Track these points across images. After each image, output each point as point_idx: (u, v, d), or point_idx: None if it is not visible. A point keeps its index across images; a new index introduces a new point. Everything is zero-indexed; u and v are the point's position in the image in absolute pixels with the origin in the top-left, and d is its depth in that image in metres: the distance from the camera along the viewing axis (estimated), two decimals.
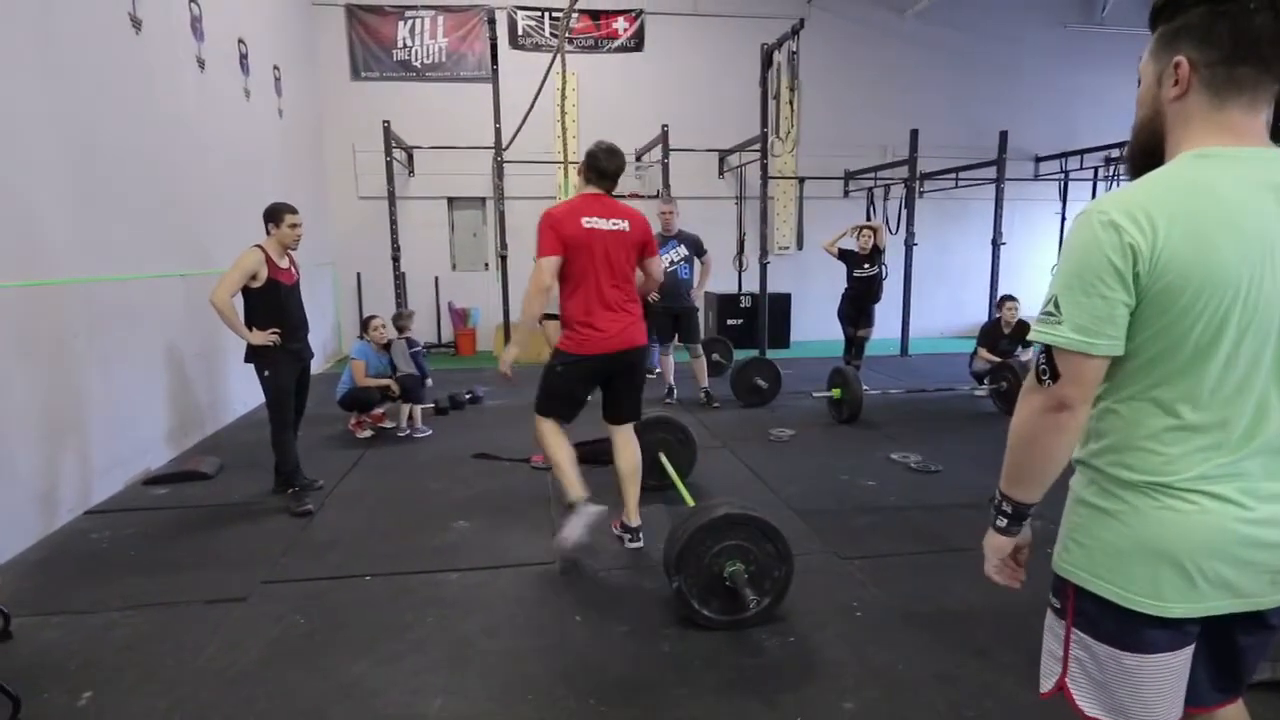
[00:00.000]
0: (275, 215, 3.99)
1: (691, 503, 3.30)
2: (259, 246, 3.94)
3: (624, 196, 10.25)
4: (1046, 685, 1.29)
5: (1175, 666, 1.17)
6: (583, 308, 3.18)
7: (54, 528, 3.69)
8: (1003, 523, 1.29)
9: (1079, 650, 1.22)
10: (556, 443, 3.30)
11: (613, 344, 3.20)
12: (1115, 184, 9.55)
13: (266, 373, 3.98)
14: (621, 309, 3.21)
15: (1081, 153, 9.87)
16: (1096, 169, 9.68)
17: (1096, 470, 1.20)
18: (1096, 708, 1.21)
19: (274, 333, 3.91)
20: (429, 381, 5.72)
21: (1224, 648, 1.22)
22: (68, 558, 3.39)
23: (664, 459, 4.06)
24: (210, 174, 5.79)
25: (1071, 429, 1.15)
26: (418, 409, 5.63)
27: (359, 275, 10.03)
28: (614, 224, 3.15)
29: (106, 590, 3.04)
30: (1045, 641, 1.30)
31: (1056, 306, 1.13)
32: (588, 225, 3.14)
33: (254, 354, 3.97)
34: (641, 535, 3.41)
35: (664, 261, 6.27)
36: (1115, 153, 9.31)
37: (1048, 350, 1.14)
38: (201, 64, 5.73)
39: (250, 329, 3.90)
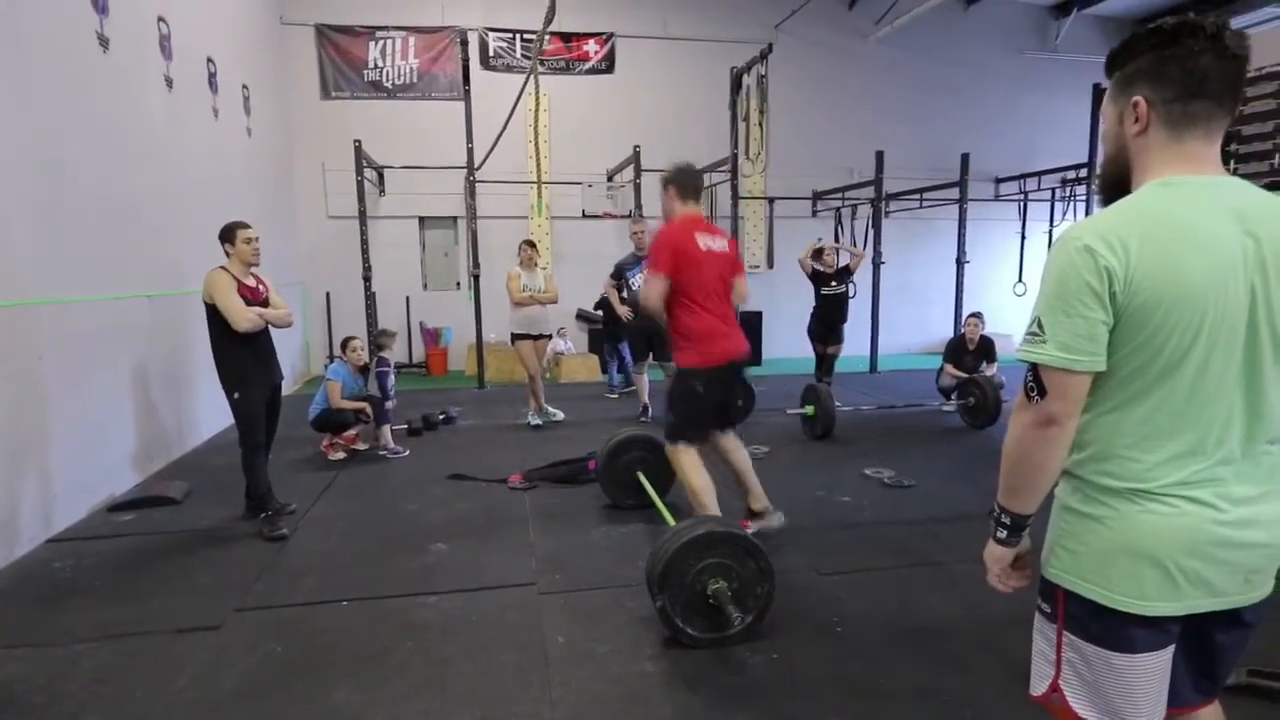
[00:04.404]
0: (228, 234, 4.00)
1: (672, 522, 3.30)
2: (223, 268, 3.92)
3: (597, 216, 10.30)
4: (1039, 688, 1.33)
5: (1159, 666, 1.23)
6: None
7: (14, 557, 3.57)
8: (1002, 534, 1.34)
9: (1071, 652, 1.27)
10: None
11: None
12: (1071, 204, 9.89)
13: (236, 395, 3.93)
14: None
15: (1039, 174, 10.20)
16: (1054, 190, 10.02)
17: (1081, 479, 1.25)
18: (1089, 709, 1.25)
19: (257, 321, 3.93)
20: (390, 403, 5.67)
21: (1204, 647, 1.27)
22: (30, 588, 3.28)
23: (643, 478, 4.08)
24: (178, 193, 5.70)
25: (1061, 442, 1.21)
26: (386, 429, 5.58)
27: (328, 295, 9.93)
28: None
29: (72, 621, 2.95)
30: (1035, 644, 1.34)
31: (1041, 327, 1.19)
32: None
33: (224, 376, 3.93)
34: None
35: (637, 281, 6.34)
36: (1071, 174, 9.66)
37: (1034, 368, 1.21)
38: (170, 83, 5.67)
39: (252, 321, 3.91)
